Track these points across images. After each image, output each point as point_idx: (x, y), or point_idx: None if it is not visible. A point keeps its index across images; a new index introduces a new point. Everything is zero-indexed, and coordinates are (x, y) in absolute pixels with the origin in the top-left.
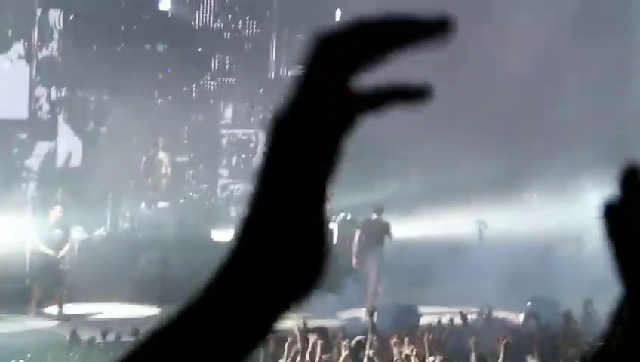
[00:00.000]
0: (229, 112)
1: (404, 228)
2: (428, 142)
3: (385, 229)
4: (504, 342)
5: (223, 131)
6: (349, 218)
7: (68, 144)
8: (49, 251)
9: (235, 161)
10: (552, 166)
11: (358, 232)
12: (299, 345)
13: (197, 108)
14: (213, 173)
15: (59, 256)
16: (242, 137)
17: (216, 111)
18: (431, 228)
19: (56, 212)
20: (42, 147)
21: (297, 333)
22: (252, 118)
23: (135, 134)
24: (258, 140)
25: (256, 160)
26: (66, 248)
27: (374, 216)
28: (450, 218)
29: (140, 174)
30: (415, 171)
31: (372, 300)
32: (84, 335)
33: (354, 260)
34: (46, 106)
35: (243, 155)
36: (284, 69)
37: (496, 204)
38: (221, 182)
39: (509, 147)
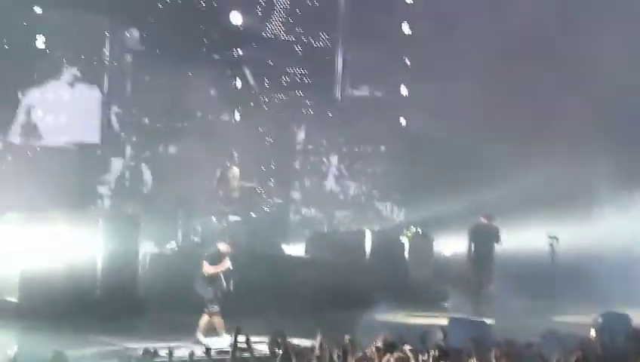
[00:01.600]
0: (301, 135)
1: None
2: (499, 155)
3: (495, 234)
4: (576, 356)
5: (296, 152)
6: (420, 231)
7: (140, 160)
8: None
9: (307, 184)
10: (622, 180)
11: (468, 236)
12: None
13: (269, 124)
14: (284, 189)
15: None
16: (314, 160)
17: (289, 130)
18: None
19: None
20: (116, 164)
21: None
22: (324, 142)
23: (208, 148)
24: (330, 164)
25: (327, 184)
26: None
27: (484, 221)
28: (523, 231)
29: (211, 188)
30: (485, 184)
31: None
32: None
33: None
34: (118, 126)
35: (315, 179)
36: (350, 89)
37: (567, 217)
38: (293, 206)
39: (583, 160)
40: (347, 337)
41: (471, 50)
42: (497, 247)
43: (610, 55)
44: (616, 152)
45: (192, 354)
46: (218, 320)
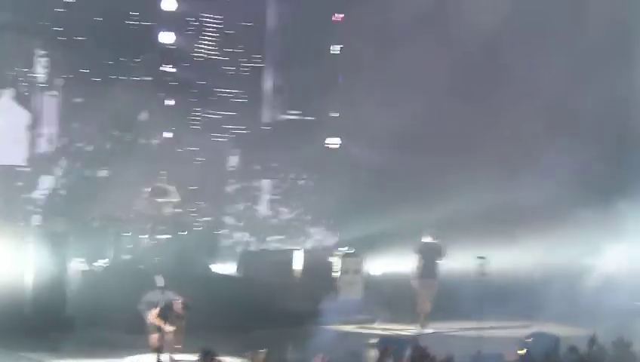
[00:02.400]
0: (234, 157)
1: (400, 262)
2: (423, 174)
3: (439, 252)
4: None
5: (228, 175)
6: (350, 251)
7: (70, 176)
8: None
9: (240, 208)
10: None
11: (416, 255)
12: None
13: (200, 144)
14: (215, 208)
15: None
16: (246, 185)
17: (220, 151)
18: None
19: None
20: (45, 181)
21: None
22: (257, 167)
23: (139, 167)
24: (262, 190)
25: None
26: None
27: (429, 239)
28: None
29: (142, 206)
30: (410, 204)
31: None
32: None
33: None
34: (47, 146)
35: (249, 203)
36: (280, 112)
37: (499, 237)
38: (226, 230)
39: (518, 179)
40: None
41: (404, 68)
42: (440, 265)
43: (549, 65)
44: (548, 172)
45: None
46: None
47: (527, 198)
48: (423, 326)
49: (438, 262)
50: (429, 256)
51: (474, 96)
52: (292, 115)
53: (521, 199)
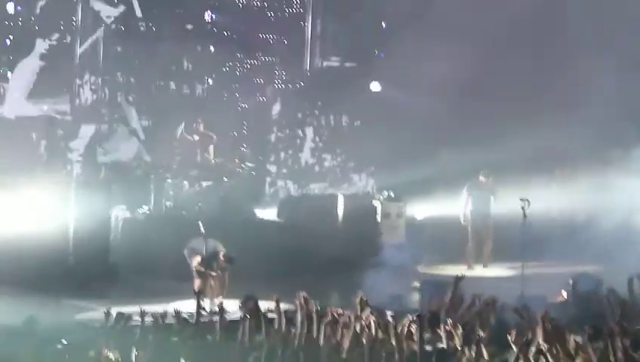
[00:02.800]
0: (276, 105)
1: (446, 206)
2: (465, 120)
3: (491, 191)
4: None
5: (271, 123)
6: (392, 195)
7: (111, 125)
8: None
9: (282, 156)
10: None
11: (465, 193)
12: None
13: (242, 90)
14: (257, 154)
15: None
16: (289, 133)
17: (262, 96)
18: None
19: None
20: (86, 130)
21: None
22: (299, 115)
23: (181, 114)
24: (305, 137)
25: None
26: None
27: (482, 179)
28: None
29: (184, 153)
30: (452, 149)
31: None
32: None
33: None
34: (89, 93)
35: (290, 151)
36: (320, 60)
37: (541, 180)
38: (268, 179)
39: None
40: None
41: (449, 13)
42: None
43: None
44: (590, 117)
45: (163, 316)
46: (213, 284)
47: (572, 142)
48: (485, 265)
49: (491, 201)
50: (483, 196)
51: (521, 43)
52: (334, 61)
53: (565, 143)
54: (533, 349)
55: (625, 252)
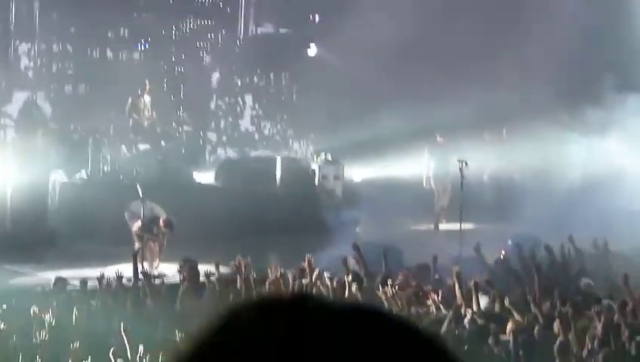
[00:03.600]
0: (215, 74)
1: (384, 168)
2: (406, 80)
3: (449, 151)
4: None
5: (210, 90)
6: (329, 158)
7: (48, 89)
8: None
9: (222, 124)
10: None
11: (426, 155)
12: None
13: (179, 54)
14: (195, 118)
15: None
16: (229, 101)
17: (199, 59)
18: (412, 167)
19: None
20: (21, 95)
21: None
22: (239, 82)
23: (119, 78)
24: (245, 104)
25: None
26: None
27: (440, 140)
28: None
29: (121, 117)
30: (391, 112)
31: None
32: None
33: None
34: (24, 59)
35: (230, 119)
36: (255, 26)
37: (473, 141)
38: (209, 147)
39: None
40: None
41: None
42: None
43: None
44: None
45: (101, 278)
46: (151, 248)
47: (512, 103)
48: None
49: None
50: (443, 156)
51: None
52: (269, 28)
53: (505, 104)
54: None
55: (567, 213)
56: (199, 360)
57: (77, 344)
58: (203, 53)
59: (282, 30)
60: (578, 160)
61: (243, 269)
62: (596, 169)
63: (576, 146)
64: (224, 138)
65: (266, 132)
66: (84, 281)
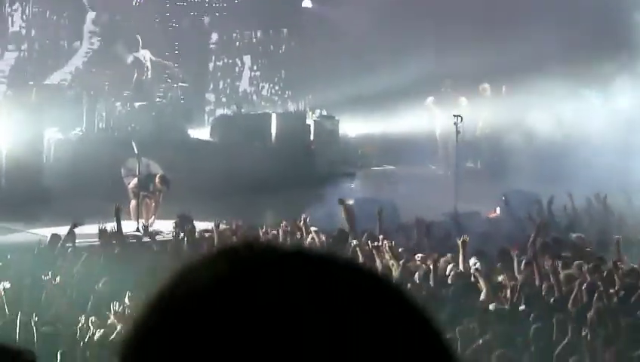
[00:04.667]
0: (214, 36)
1: (381, 123)
2: (405, 32)
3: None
4: (462, 240)
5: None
6: (324, 113)
7: (41, 46)
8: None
9: (220, 85)
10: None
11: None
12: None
13: (173, 8)
14: (192, 73)
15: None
16: (227, 61)
17: (194, 16)
18: (409, 123)
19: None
20: (14, 52)
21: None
22: (238, 43)
23: (112, 33)
24: (244, 65)
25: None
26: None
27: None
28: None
29: (115, 74)
30: (388, 65)
31: None
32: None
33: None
34: (17, 18)
35: (229, 80)
36: None
37: (468, 96)
38: (208, 108)
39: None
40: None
41: None
42: None
43: None
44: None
45: (102, 232)
46: (147, 205)
47: (514, 58)
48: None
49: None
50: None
51: None
52: None
53: (507, 59)
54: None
55: (562, 170)
56: (149, 310)
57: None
58: (198, 9)
59: None
60: (586, 116)
61: (235, 229)
62: (606, 125)
63: (585, 102)
64: (223, 99)
65: (265, 92)
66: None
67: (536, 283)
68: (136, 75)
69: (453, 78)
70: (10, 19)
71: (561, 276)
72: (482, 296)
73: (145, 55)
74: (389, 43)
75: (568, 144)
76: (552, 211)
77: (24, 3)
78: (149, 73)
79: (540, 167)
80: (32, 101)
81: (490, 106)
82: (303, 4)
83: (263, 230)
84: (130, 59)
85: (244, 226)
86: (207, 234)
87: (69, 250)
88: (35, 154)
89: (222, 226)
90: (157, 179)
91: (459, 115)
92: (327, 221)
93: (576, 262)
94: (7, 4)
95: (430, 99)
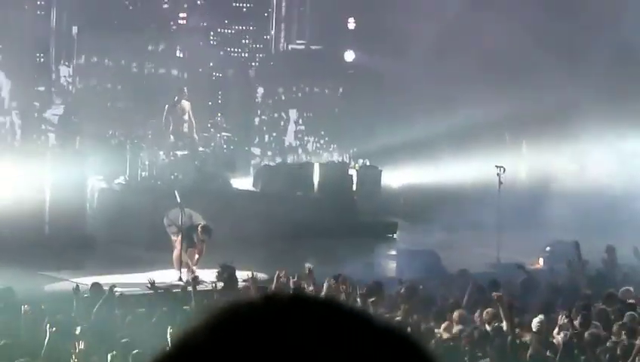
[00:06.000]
0: (260, 90)
1: (423, 173)
2: (445, 82)
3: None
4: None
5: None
6: (367, 163)
7: (86, 97)
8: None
9: (266, 139)
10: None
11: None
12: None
13: (216, 59)
14: (234, 124)
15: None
16: (274, 116)
17: (237, 65)
18: (451, 173)
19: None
20: (61, 103)
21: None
22: (283, 97)
23: (157, 83)
24: (289, 119)
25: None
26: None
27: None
28: (469, 163)
29: (159, 124)
30: (429, 114)
31: None
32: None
33: None
34: (65, 71)
35: (274, 134)
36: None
37: (509, 148)
38: (253, 161)
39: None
40: (307, 266)
41: None
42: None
43: None
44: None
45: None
46: (190, 254)
47: (546, 109)
48: None
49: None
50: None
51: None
52: (301, 44)
53: (539, 110)
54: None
55: (602, 221)
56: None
57: (113, 351)
58: (241, 60)
59: (319, 40)
60: (621, 163)
61: (283, 279)
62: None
63: (619, 149)
64: (269, 153)
65: (310, 146)
66: (119, 287)
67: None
68: (179, 125)
69: (496, 126)
70: (57, 72)
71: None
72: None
73: (188, 104)
74: (430, 93)
75: (614, 195)
76: (607, 262)
77: (71, 56)
78: (193, 122)
79: (585, 218)
80: (77, 150)
81: (534, 155)
82: (346, 58)
83: (294, 278)
84: (173, 108)
85: (285, 275)
86: (246, 283)
87: (110, 300)
88: (79, 202)
89: (259, 275)
90: (199, 229)
91: (501, 166)
92: (367, 271)
93: (629, 313)
94: (53, 57)
95: (472, 148)
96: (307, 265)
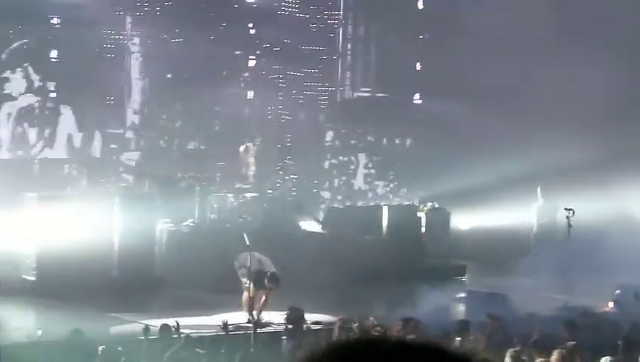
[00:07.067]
0: (330, 134)
1: (492, 215)
2: (513, 124)
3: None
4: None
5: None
6: (436, 206)
7: (157, 140)
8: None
9: (335, 183)
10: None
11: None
12: None
13: (284, 102)
14: (303, 167)
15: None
16: (343, 159)
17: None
18: (520, 216)
19: None
20: (133, 143)
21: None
22: (352, 141)
23: (223, 126)
24: (358, 162)
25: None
26: None
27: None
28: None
29: (228, 166)
30: (498, 156)
31: None
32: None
33: None
34: (135, 117)
35: (344, 178)
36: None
37: (582, 190)
38: (323, 205)
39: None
40: (371, 319)
41: (487, 25)
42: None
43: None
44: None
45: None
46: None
47: (612, 152)
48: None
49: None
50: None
51: (556, 56)
52: (368, 91)
53: (604, 152)
54: None
55: None
56: None
57: None
58: (311, 104)
59: (379, 94)
60: None
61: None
62: None
63: None
64: (339, 197)
65: (379, 191)
66: (178, 326)
67: None
68: (248, 167)
69: (562, 169)
70: (130, 115)
71: None
72: None
73: (256, 147)
74: (498, 135)
75: None
76: None
77: (144, 101)
78: (262, 165)
79: None
80: (146, 192)
81: (599, 197)
82: (414, 100)
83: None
84: (241, 151)
85: (359, 320)
86: (317, 327)
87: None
88: (148, 244)
89: (326, 317)
90: (268, 276)
91: (571, 209)
92: (437, 316)
93: None
94: (126, 104)
95: (540, 190)
96: (371, 318)
